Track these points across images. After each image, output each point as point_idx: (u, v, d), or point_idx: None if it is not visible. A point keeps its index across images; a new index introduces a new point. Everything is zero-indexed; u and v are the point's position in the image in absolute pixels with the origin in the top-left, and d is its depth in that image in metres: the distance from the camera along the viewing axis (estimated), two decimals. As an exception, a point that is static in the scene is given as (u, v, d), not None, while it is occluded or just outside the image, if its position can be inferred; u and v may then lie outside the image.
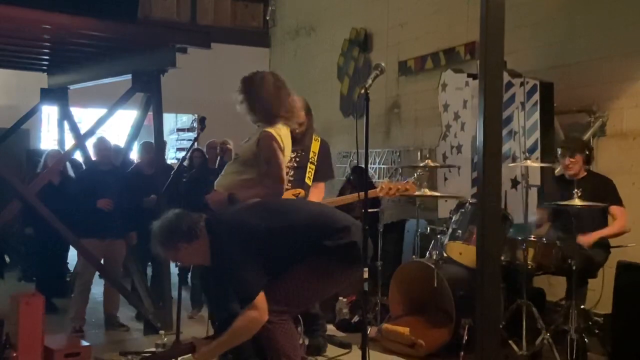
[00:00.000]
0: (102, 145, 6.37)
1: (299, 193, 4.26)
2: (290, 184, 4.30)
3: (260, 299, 3.05)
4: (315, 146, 4.65)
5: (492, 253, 2.09)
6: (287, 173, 4.17)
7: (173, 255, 3.29)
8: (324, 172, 4.67)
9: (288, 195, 4.15)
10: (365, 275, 3.09)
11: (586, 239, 4.35)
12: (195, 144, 9.36)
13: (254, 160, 3.83)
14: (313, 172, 4.53)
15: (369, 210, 4.86)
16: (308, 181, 4.55)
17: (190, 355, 3.52)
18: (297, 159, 4.44)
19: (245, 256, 3.10)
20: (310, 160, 4.54)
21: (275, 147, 3.78)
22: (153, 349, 3.85)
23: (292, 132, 4.09)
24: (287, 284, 3.21)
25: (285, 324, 3.18)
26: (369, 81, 3.19)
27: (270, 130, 3.81)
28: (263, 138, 3.80)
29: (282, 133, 3.86)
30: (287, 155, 3.96)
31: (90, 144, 6.63)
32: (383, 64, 3.30)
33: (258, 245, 3.14)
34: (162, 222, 3.25)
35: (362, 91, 3.13)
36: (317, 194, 4.57)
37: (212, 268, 3.38)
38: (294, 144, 4.15)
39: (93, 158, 6.54)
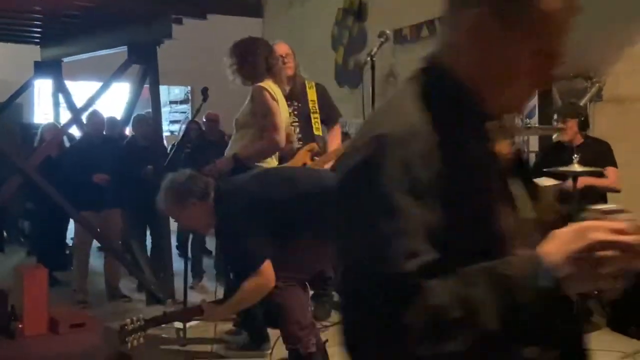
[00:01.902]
0: (94, 118, 6.39)
1: (313, 148, 4.26)
2: (300, 142, 4.32)
3: (267, 266, 3.10)
4: (312, 94, 4.58)
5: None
6: (294, 131, 4.20)
7: (179, 211, 3.28)
8: (331, 115, 4.65)
9: (304, 153, 4.16)
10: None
11: (582, 180, 4.38)
12: (189, 116, 9.24)
13: (252, 119, 3.89)
14: (319, 121, 4.50)
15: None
16: (317, 132, 4.53)
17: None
18: (296, 113, 4.43)
19: (252, 224, 3.13)
20: (311, 110, 4.50)
21: (267, 96, 3.87)
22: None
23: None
24: (295, 251, 3.26)
25: (294, 288, 3.24)
26: (374, 49, 3.23)
27: (261, 83, 3.90)
28: (255, 92, 3.90)
29: (273, 88, 3.92)
30: (283, 109, 4.01)
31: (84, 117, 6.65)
32: (388, 32, 3.33)
33: (265, 213, 3.18)
34: (175, 176, 3.29)
35: (368, 59, 3.17)
36: (335, 138, 4.59)
37: (218, 234, 3.42)
38: (288, 94, 4.22)
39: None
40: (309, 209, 3.26)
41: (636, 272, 1.12)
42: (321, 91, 4.65)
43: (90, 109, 6.54)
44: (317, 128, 4.53)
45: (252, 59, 3.92)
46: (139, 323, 3.18)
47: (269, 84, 3.92)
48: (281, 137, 3.88)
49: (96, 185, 6.06)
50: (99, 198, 6.12)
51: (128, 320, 3.17)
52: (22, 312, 5.32)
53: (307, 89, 4.57)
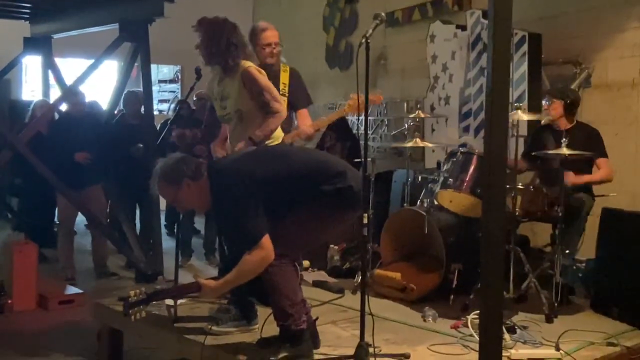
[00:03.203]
0: (72, 96, 6.38)
1: None
2: None
3: (266, 239, 3.13)
4: (284, 77, 4.59)
5: (497, 203, 2.20)
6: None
7: (174, 192, 3.28)
8: (301, 99, 4.67)
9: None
10: (366, 221, 3.19)
11: (572, 179, 4.45)
12: (179, 95, 9.15)
13: (250, 101, 3.91)
14: (286, 104, 4.46)
15: (355, 160, 4.99)
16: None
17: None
18: None
19: (249, 199, 3.16)
20: (281, 92, 4.46)
21: (258, 74, 3.96)
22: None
23: (264, 61, 4.39)
24: (287, 228, 3.28)
25: (286, 266, 3.26)
26: (369, 31, 3.23)
27: (247, 62, 3.94)
28: (245, 75, 3.93)
29: (253, 64, 4.00)
30: None
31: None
32: (383, 14, 3.33)
33: (258, 190, 3.21)
34: (168, 160, 3.31)
35: (363, 40, 3.18)
36: (303, 120, 4.61)
37: (216, 212, 3.45)
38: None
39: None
40: (298, 186, 3.29)
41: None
42: (294, 75, 4.67)
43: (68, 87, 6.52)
44: None
45: (234, 49, 3.93)
46: (141, 296, 3.20)
47: (249, 63, 3.98)
48: (282, 106, 4.00)
49: (76, 163, 6.05)
50: (78, 177, 6.11)
51: (131, 293, 3.20)
52: (11, 287, 5.35)
53: (281, 72, 4.60)
